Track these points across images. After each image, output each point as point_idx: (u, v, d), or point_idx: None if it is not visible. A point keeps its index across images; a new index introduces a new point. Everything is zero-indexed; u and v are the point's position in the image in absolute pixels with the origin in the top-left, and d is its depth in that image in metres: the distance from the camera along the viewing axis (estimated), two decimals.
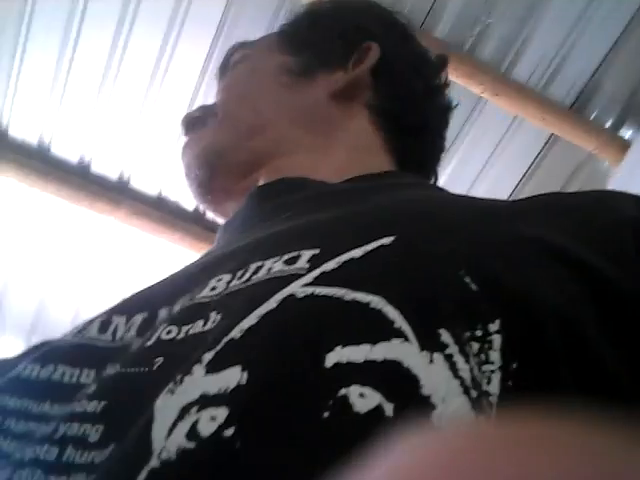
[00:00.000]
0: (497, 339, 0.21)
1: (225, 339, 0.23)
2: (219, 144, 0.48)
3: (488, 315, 0.22)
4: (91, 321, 0.32)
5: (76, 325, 0.33)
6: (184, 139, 0.52)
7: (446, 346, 0.21)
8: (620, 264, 0.25)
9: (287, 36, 0.54)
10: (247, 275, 0.27)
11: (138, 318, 0.30)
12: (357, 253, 0.25)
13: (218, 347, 0.22)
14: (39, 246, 2.04)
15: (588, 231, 0.28)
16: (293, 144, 0.48)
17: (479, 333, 0.21)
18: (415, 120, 0.51)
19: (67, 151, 1.89)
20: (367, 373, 0.20)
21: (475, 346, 0.21)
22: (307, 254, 0.26)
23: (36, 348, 0.32)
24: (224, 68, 0.56)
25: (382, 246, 0.25)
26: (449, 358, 0.20)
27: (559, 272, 0.25)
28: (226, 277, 0.28)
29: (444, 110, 0.55)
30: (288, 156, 0.47)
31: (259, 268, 0.27)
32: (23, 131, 1.87)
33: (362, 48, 0.51)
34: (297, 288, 0.24)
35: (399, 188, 0.42)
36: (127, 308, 0.32)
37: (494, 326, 0.21)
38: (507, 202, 0.35)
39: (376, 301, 0.22)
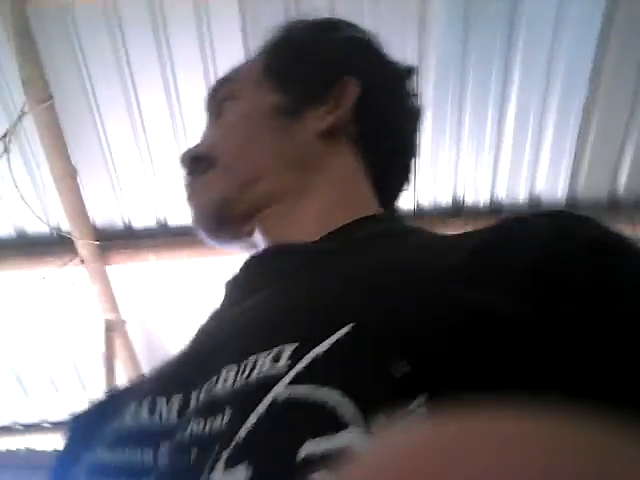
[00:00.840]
0: (422, 410, 0.27)
1: (235, 439, 0.30)
2: (221, 196, 0.52)
3: (417, 392, 0.28)
4: (139, 402, 0.39)
5: (122, 402, 0.41)
6: (187, 179, 0.56)
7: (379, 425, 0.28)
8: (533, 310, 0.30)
9: (273, 71, 0.56)
10: (247, 371, 0.33)
11: (175, 401, 0.38)
12: (322, 348, 0.31)
13: (231, 446, 0.30)
14: None
15: (505, 278, 0.32)
16: (285, 189, 0.52)
17: (410, 408, 0.28)
18: (395, 145, 0.56)
19: None
20: (327, 460, 0.26)
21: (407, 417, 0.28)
22: (288, 350, 0.32)
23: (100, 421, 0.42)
24: (212, 102, 0.58)
25: (340, 339, 0.31)
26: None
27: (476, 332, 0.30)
28: (233, 370, 0.35)
29: (417, 125, 0.59)
30: (281, 202, 0.52)
31: (255, 363, 0.33)
32: None
33: (342, 83, 0.54)
34: (280, 390, 0.31)
35: (369, 245, 0.46)
36: (165, 389, 0.39)
37: (421, 399, 0.28)
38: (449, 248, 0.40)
39: (333, 398, 0.29)
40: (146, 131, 2.33)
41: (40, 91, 2.05)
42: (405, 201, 2.51)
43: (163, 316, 2.87)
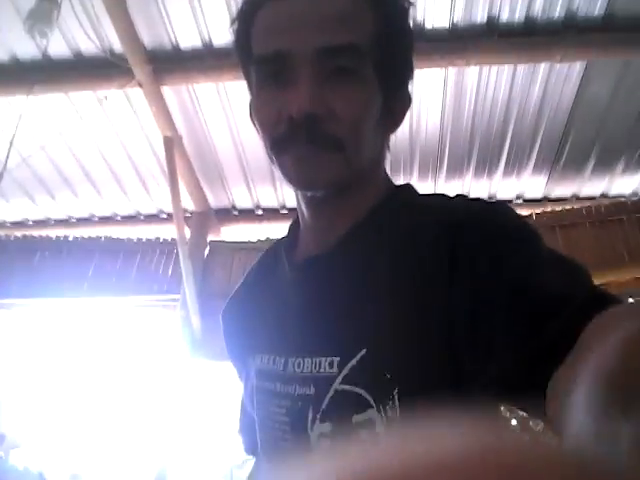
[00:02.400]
0: (396, 397, 0.53)
1: (322, 407, 0.58)
2: (336, 180, 0.60)
3: (394, 388, 0.53)
4: (274, 359, 0.65)
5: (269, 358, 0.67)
6: (305, 145, 0.58)
7: (384, 406, 0.54)
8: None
9: (381, 72, 0.60)
10: (317, 367, 0.59)
11: (281, 361, 0.63)
12: (352, 363, 0.56)
13: (320, 410, 0.58)
14: None
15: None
16: (366, 181, 0.64)
17: (391, 397, 0.53)
18: (404, 105, 0.67)
19: None
20: (364, 425, 0.54)
21: (391, 402, 0.53)
22: (335, 361, 0.57)
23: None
24: (328, 57, 0.57)
25: (360, 358, 0.56)
26: (384, 411, 0.53)
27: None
28: (308, 362, 0.60)
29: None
30: (360, 192, 0.64)
31: (320, 364, 0.59)
32: None
33: (408, 96, 0.67)
34: (336, 385, 0.57)
35: (377, 250, 0.61)
36: (279, 351, 0.65)
37: (395, 393, 0.53)
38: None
39: (363, 393, 0.55)
40: None
41: None
42: (441, 20, 2.56)
43: (213, 131, 3.16)
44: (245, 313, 0.74)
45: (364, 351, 0.55)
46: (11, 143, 2.44)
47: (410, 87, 0.67)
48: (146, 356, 3.71)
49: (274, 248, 0.76)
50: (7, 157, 2.42)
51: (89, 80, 2.80)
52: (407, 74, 0.66)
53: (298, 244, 0.70)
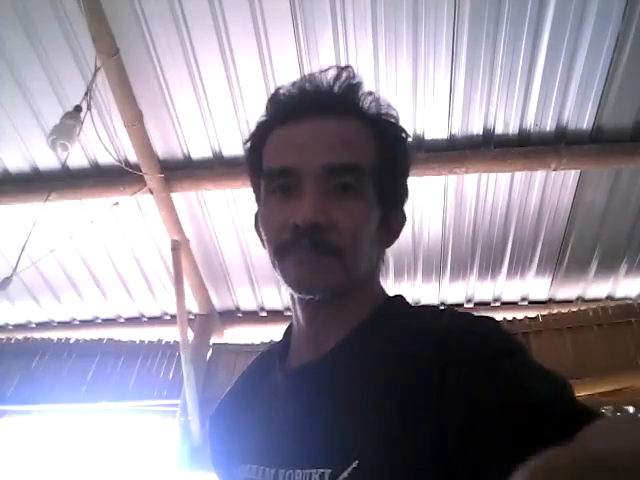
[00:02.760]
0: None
1: None
2: (334, 285, 0.63)
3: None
4: (264, 471, 0.63)
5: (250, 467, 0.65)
6: (307, 251, 0.61)
7: None
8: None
9: (380, 191, 0.66)
10: (307, 479, 0.57)
11: (271, 472, 0.61)
12: (344, 475, 0.55)
13: None
14: None
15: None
16: (361, 290, 0.67)
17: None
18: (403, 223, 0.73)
19: None
20: None
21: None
22: (327, 473, 0.56)
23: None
24: (334, 175, 0.63)
25: (351, 471, 0.54)
26: None
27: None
28: (299, 474, 0.58)
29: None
30: (355, 300, 0.66)
31: (311, 476, 0.57)
32: None
33: (403, 215, 0.72)
34: None
35: (372, 352, 0.62)
36: (269, 462, 0.63)
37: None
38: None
39: None
40: (202, 75, 2.54)
41: (108, 45, 2.27)
42: (439, 131, 2.71)
43: (220, 234, 3.24)
44: (234, 420, 0.73)
45: (356, 463, 0.54)
46: (23, 248, 2.49)
47: (405, 207, 0.73)
48: (143, 465, 3.52)
49: (268, 353, 0.77)
50: (18, 261, 2.46)
51: (103, 188, 2.92)
52: (403, 196, 0.72)
53: (291, 350, 0.71)
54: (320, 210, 0.61)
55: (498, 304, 3.53)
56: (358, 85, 0.67)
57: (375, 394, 0.57)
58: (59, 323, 3.87)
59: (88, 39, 2.26)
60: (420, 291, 3.48)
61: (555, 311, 3.35)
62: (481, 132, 2.71)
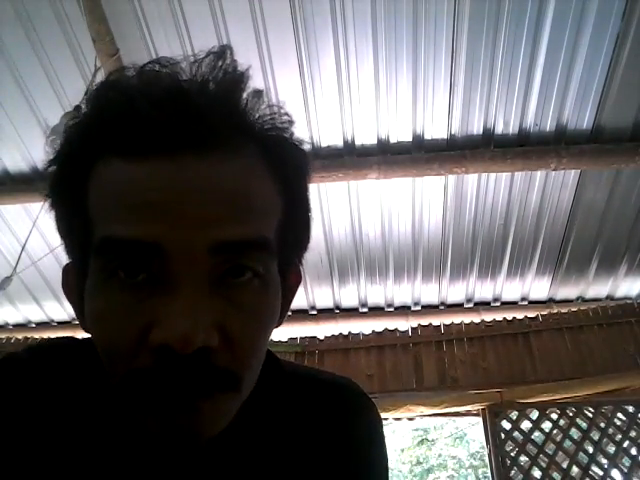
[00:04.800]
0: None
1: None
2: (225, 423, 0.42)
3: None
4: None
5: None
6: (188, 386, 0.39)
7: None
8: None
9: (284, 265, 0.46)
10: None
11: None
12: None
13: None
14: None
15: None
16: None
17: None
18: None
19: None
20: None
21: None
22: None
23: None
24: (223, 256, 0.39)
25: None
26: None
27: None
28: None
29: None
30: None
31: None
32: None
33: (299, 272, 0.51)
34: None
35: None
36: None
37: None
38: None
39: None
40: None
41: (108, 45, 2.27)
42: (439, 131, 2.71)
43: None
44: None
45: None
46: (23, 247, 2.50)
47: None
48: None
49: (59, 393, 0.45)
50: (18, 261, 2.46)
51: None
52: (306, 248, 0.50)
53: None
54: (209, 321, 0.38)
55: (498, 304, 3.54)
56: (243, 84, 0.44)
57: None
58: (59, 323, 3.87)
59: (88, 39, 2.26)
60: (420, 291, 3.48)
61: (555, 311, 3.35)
62: (481, 132, 2.71)
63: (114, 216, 0.39)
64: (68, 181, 0.43)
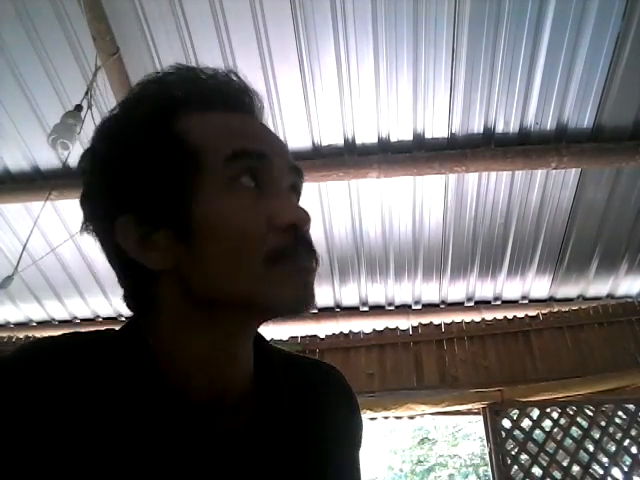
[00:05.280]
0: None
1: None
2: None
3: None
4: None
5: None
6: (309, 258, 0.53)
7: None
8: None
9: None
10: None
11: None
12: None
13: None
14: None
15: None
16: None
17: None
18: None
19: None
20: None
21: None
22: None
23: None
24: (300, 183, 0.58)
25: None
26: None
27: None
28: None
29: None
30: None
31: None
32: None
33: None
34: None
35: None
36: None
37: None
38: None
39: None
40: None
41: (108, 44, 2.28)
42: (440, 130, 2.71)
43: None
44: (66, 443, 0.45)
45: None
46: (24, 247, 2.50)
47: None
48: None
49: (105, 366, 0.50)
50: (19, 260, 2.46)
51: None
52: None
53: (163, 374, 0.51)
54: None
55: (499, 303, 3.54)
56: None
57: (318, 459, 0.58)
58: (60, 321, 3.88)
59: (88, 38, 2.26)
60: (421, 290, 3.49)
61: (556, 309, 3.35)
62: (481, 131, 2.71)
63: (236, 139, 0.53)
64: (158, 122, 0.53)
